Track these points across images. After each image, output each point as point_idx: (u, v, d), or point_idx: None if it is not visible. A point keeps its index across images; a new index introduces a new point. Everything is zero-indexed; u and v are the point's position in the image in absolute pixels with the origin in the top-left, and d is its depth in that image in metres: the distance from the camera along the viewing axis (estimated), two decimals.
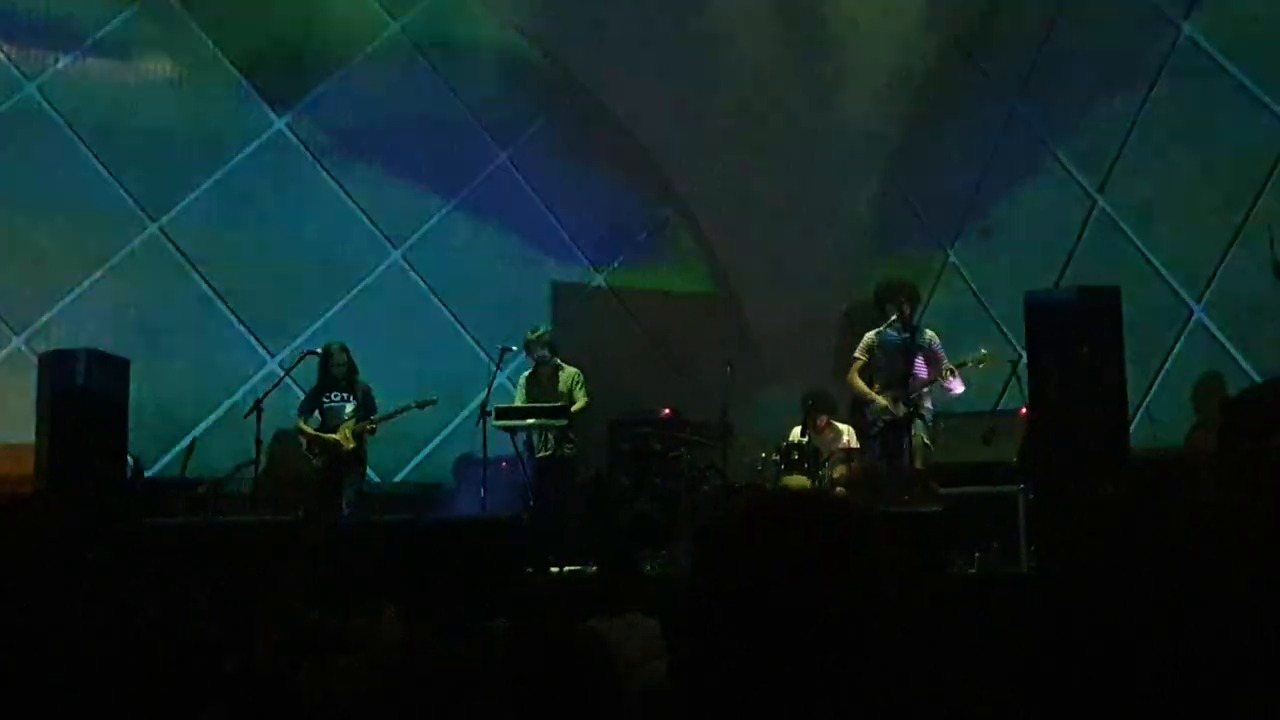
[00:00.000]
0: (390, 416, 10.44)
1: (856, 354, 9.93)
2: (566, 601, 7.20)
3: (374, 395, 10.51)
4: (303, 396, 10.79)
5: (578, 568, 9.21)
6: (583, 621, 4.92)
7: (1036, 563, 8.04)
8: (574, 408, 10.37)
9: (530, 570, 8.69)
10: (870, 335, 9.89)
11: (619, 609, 5.47)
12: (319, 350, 10.58)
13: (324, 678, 2.87)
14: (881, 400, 9.63)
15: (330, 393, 10.38)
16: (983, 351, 9.61)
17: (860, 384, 9.84)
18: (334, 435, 10.19)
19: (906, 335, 9.65)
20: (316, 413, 10.43)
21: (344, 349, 10.51)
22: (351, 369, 10.45)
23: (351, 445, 10.20)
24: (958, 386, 9.56)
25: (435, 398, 10.70)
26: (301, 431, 10.38)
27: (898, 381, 9.62)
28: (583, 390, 10.48)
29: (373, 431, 10.30)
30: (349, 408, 10.30)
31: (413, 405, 10.49)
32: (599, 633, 3.84)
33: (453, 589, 6.68)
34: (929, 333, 9.82)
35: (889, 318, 9.70)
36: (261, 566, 7.37)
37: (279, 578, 7.23)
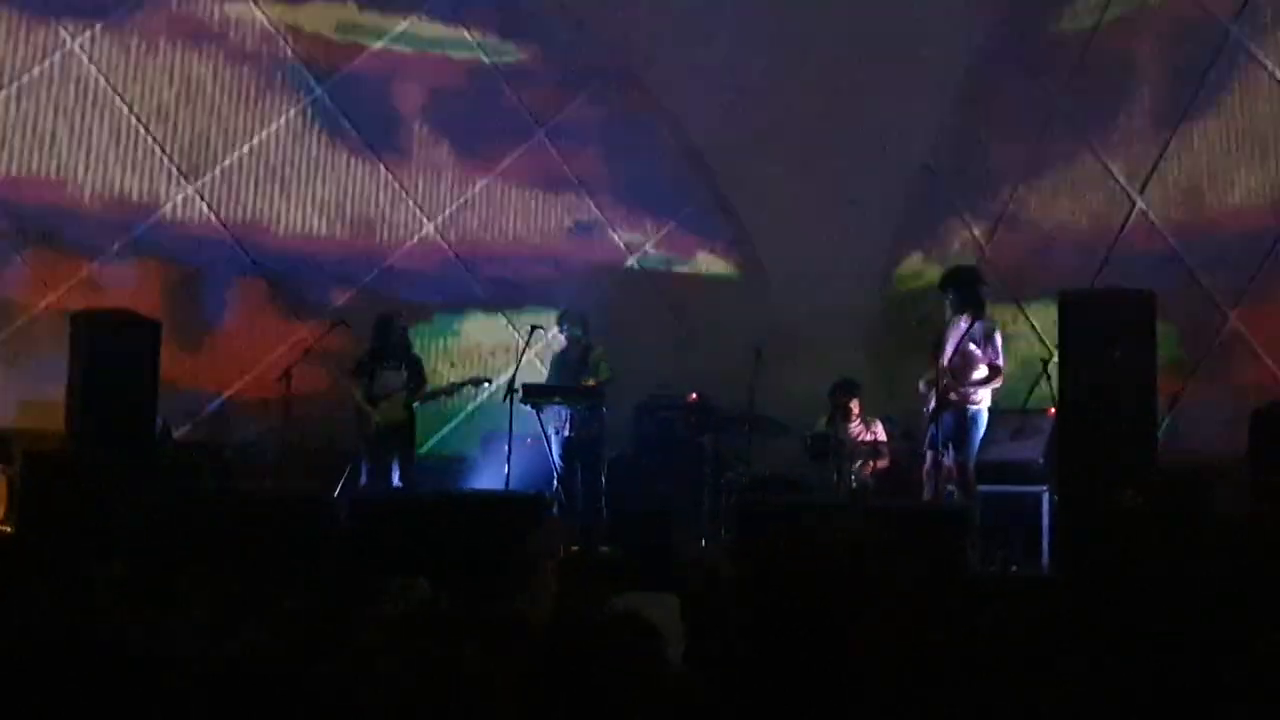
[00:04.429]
0: (443, 392, 10.42)
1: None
2: (586, 581, 7.18)
3: (423, 367, 10.49)
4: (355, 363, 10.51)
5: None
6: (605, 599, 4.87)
7: (1056, 565, 7.99)
8: (597, 377, 10.32)
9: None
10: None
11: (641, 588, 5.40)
12: (346, 321, 10.61)
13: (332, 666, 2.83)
14: (922, 387, 9.32)
15: (385, 361, 10.21)
16: None
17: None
18: (387, 408, 10.03)
19: (966, 324, 9.04)
20: (369, 380, 10.19)
21: (401, 317, 10.50)
22: (406, 339, 10.42)
23: (403, 417, 10.10)
24: (974, 393, 9.04)
25: (490, 378, 10.68)
26: (357, 402, 10.19)
27: (943, 371, 9.00)
28: (605, 366, 10.39)
29: (420, 402, 10.18)
30: (401, 378, 10.16)
31: (468, 383, 10.50)
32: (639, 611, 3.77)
33: (476, 565, 6.67)
34: (986, 325, 9.11)
35: (951, 306, 9.19)
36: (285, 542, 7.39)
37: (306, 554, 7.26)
